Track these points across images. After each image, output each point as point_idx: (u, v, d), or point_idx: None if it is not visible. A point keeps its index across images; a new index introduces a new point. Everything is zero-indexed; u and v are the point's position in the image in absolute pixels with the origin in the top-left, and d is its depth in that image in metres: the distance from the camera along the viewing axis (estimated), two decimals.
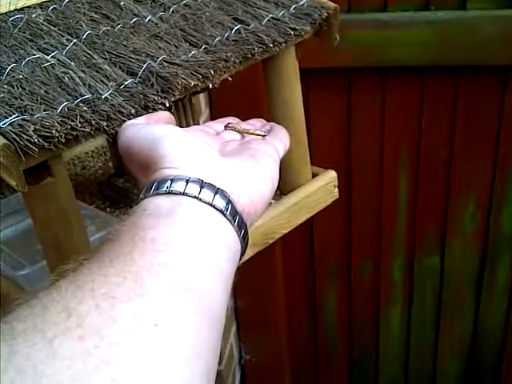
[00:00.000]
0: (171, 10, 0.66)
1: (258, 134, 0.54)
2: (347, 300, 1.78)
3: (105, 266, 0.33)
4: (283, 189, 0.78)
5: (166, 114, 0.53)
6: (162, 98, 0.55)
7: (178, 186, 0.40)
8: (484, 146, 1.48)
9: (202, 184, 0.40)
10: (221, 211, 0.40)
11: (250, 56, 0.63)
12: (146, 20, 0.64)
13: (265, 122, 0.59)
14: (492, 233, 1.59)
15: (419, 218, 1.61)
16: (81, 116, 0.50)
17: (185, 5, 0.67)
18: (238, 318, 1.82)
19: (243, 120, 0.59)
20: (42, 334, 0.28)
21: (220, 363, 1.65)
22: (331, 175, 0.80)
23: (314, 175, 0.80)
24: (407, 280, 1.72)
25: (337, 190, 0.81)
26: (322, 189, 0.79)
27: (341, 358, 1.90)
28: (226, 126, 0.55)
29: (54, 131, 0.47)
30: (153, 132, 0.45)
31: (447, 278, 1.69)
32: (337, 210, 1.61)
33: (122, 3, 0.65)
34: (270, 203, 0.76)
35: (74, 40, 0.58)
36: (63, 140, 0.48)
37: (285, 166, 0.77)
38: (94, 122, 0.50)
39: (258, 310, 1.80)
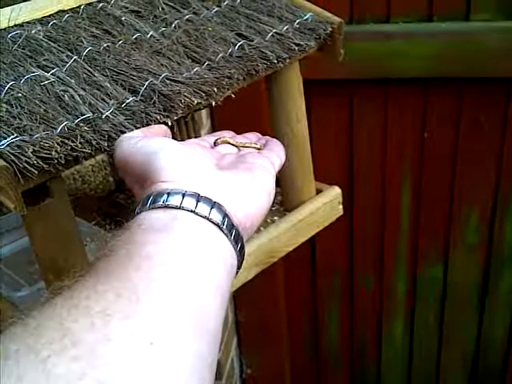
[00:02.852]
0: (173, 25, 0.65)
1: (252, 147, 0.54)
2: (349, 313, 1.77)
3: (100, 282, 0.32)
4: (287, 206, 0.77)
5: (162, 128, 0.52)
6: (164, 116, 0.53)
7: (175, 200, 0.39)
8: (487, 159, 1.47)
9: (199, 198, 0.40)
10: (217, 225, 0.40)
11: (253, 73, 0.62)
12: (148, 36, 0.62)
13: (260, 135, 0.58)
14: (495, 245, 1.58)
15: (422, 231, 1.59)
16: (81, 136, 0.48)
17: (187, 20, 0.66)
18: (239, 331, 1.80)
19: (240, 133, 0.58)
20: (35, 353, 0.27)
21: (221, 377, 1.64)
22: (335, 192, 0.79)
23: (318, 191, 0.79)
24: (410, 292, 1.70)
25: (341, 206, 0.80)
26: (326, 206, 0.77)
27: (342, 373, 1.88)
28: (215, 141, 0.53)
29: (53, 152, 0.46)
30: (149, 145, 0.45)
31: (450, 290, 1.68)
32: (339, 222, 1.59)
33: (123, 18, 0.64)
34: (274, 221, 0.74)
35: (75, 57, 0.57)
36: (63, 161, 0.47)
37: (289, 182, 0.76)
38: (94, 143, 0.49)
39: (259, 324, 1.78)
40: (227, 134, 0.56)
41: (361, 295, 1.73)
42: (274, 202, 0.79)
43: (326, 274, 1.71)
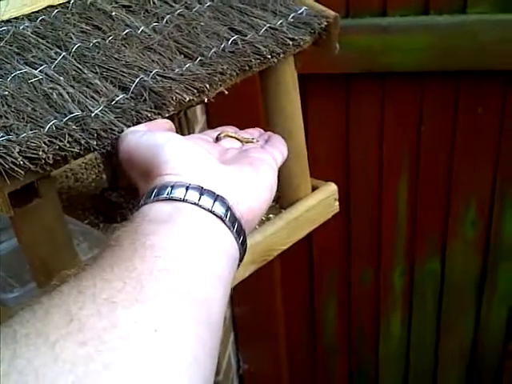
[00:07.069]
0: (165, 20, 0.63)
1: (253, 142, 0.54)
2: (346, 308, 1.76)
3: (106, 271, 0.33)
4: (282, 203, 0.76)
5: (166, 122, 0.52)
6: (155, 114, 0.52)
7: (178, 193, 0.40)
8: (485, 152, 1.46)
9: (202, 191, 0.41)
10: (220, 218, 0.40)
11: (247, 68, 0.61)
12: (139, 31, 0.61)
13: (262, 131, 0.59)
14: (493, 239, 1.57)
15: (419, 225, 1.59)
16: (69, 135, 0.47)
17: (179, 15, 0.65)
18: (235, 327, 1.80)
19: (241, 129, 0.58)
20: (44, 338, 0.28)
21: (218, 373, 1.63)
22: (331, 188, 0.77)
23: (314, 188, 0.77)
24: (407, 287, 1.70)
25: (337, 203, 0.78)
26: (322, 203, 0.76)
27: (340, 368, 1.88)
28: (217, 136, 0.54)
29: (40, 152, 0.45)
30: (154, 139, 0.45)
31: (448, 284, 1.67)
32: (336, 217, 1.59)
33: (113, 13, 0.62)
34: (269, 218, 0.73)
35: (63, 53, 0.56)
36: (51, 161, 0.46)
37: (284, 179, 0.74)
38: (83, 142, 0.48)
39: (256, 319, 1.78)
40: (230, 129, 0.56)
41: (358, 290, 1.72)
42: None
43: (323, 269, 1.70)
